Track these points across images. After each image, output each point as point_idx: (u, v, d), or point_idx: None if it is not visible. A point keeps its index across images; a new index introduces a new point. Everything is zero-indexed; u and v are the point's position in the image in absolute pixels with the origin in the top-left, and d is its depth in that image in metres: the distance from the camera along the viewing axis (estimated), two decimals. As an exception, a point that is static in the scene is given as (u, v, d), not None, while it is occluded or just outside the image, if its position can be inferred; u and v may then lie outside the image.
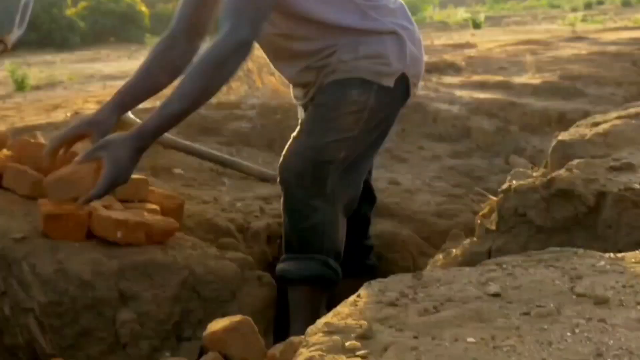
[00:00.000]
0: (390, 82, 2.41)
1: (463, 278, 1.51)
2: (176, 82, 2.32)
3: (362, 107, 2.39)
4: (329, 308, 2.46)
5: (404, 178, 3.69)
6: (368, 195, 2.74)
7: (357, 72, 2.39)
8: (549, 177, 2.08)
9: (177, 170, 3.39)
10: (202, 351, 2.36)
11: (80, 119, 2.33)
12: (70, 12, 22.62)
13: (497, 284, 1.45)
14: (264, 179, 3.48)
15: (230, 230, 2.81)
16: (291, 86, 2.70)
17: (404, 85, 2.46)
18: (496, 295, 1.41)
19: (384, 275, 3.03)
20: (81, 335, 2.27)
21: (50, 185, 2.28)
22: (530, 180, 2.14)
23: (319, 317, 2.43)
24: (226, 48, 2.20)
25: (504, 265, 1.58)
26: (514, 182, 2.16)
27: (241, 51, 2.21)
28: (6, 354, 2.21)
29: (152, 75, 2.48)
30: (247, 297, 2.48)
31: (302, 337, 1.80)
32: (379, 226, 3.06)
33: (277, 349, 1.92)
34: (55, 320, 2.25)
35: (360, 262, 2.77)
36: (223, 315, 2.34)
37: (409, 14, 2.58)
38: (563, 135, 2.60)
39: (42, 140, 2.78)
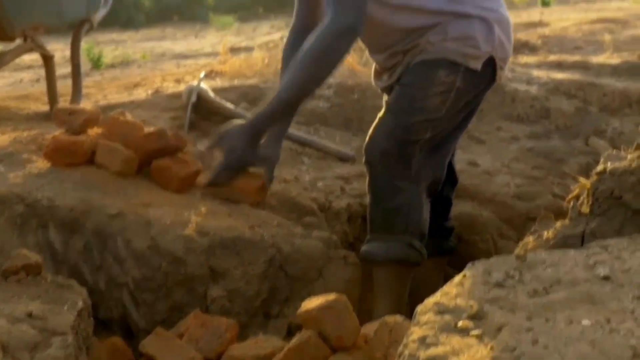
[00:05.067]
0: (477, 65, 2.39)
1: (569, 260, 1.50)
2: None
3: (449, 88, 2.37)
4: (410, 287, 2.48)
5: (483, 159, 3.65)
6: (450, 177, 2.73)
7: (445, 53, 2.37)
8: (645, 159, 2.03)
9: (258, 149, 3.40)
10: (290, 329, 2.39)
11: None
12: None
13: (605, 267, 1.43)
14: (342, 158, 3.47)
15: (313, 210, 2.82)
16: (373, 71, 2.69)
17: (491, 68, 2.44)
18: (606, 278, 1.39)
19: (465, 257, 3.02)
20: (173, 310, 2.32)
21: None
22: (625, 162, 2.09)
23: (403, 297, 2.46)
24: (330, 35, 2.25)
25: (609, 249, 1.55)
26: (609, 164, 2.12)
27: (346, 37, 2.26)
28: (101, 327, 2.27)
29: None
30: (332, 277, 2.50)
31: (397, 317, 1.82)
32: (458, 207, 3.03)
33: (370, 328, 1.93)
34: (148, 295, 2.30)
35: (441, 244, 2.76)
36: (309, 294, 2.37)
37: None
38: (656, 117, 2.53)
39: (129, 117, 2.82)
